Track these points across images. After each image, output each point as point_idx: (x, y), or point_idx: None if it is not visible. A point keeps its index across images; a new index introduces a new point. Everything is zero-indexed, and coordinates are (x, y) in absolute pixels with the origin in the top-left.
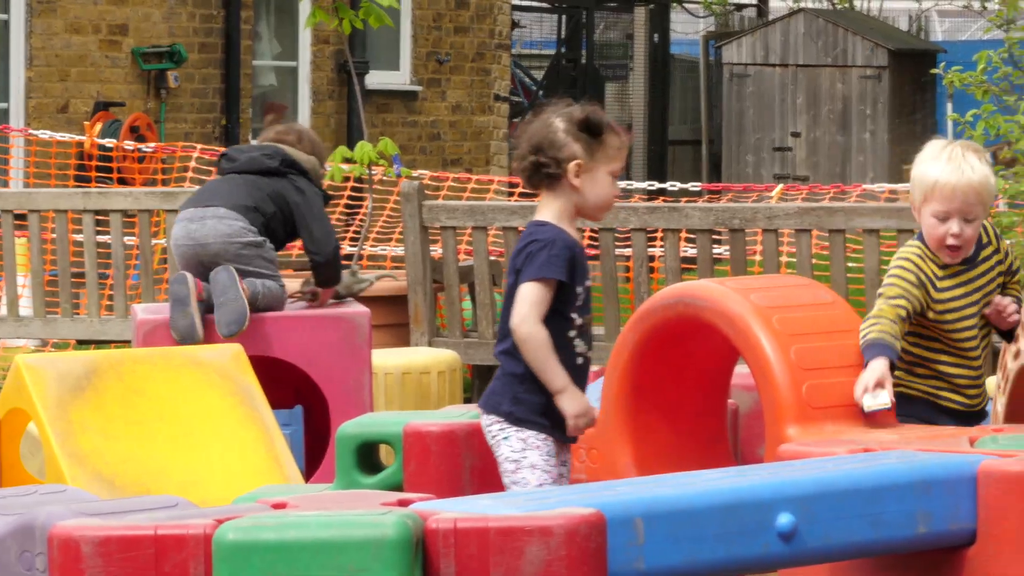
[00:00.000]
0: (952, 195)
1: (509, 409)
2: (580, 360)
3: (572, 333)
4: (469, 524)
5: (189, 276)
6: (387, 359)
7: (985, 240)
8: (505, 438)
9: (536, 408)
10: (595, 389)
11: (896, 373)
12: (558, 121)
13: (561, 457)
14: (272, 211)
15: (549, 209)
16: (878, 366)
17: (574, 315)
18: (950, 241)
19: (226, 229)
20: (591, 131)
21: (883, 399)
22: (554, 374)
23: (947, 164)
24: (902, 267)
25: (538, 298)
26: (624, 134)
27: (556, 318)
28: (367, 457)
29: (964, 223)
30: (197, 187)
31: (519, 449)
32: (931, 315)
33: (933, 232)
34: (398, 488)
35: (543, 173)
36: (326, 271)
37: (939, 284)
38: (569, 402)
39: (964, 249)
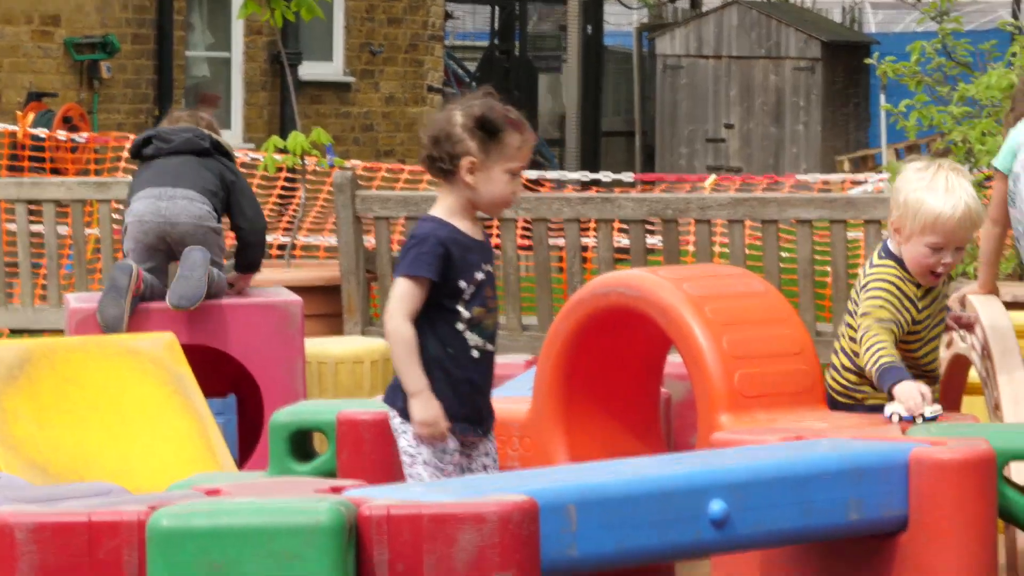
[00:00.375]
0: (954, 230)
1: (403, 404)
2: (476, 353)
3: (461, 326)
4: (402, 511)
5: (135, 268)
6: (320, 348)
7: None
8: (403, 432)
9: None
10: (527, 378)
11: (862, 387)
12: (457, 115)
13: (473, 451)
14: (223, 195)
15: (442, 203)
16: (913, 384)
17: (461, 308)
18: (939, 270)
19: (196, 211)
20: (487, 129)
21: (937, 407)
22: (410, 375)
23: (946, 196)
24: (887, 291)
25: (403, 294)
26: (526, 132)
27: (441, 312)
28: (300, 445)
29: (955, 252)
30: (130, 178)
31: (415, 444)
32: (905, 335)
33: (923, 261)
34: (331, 475)
35: (437, 167)
36: (253, 253)
37: (920, 304)
38: (419, 407)
39: (947, 274)
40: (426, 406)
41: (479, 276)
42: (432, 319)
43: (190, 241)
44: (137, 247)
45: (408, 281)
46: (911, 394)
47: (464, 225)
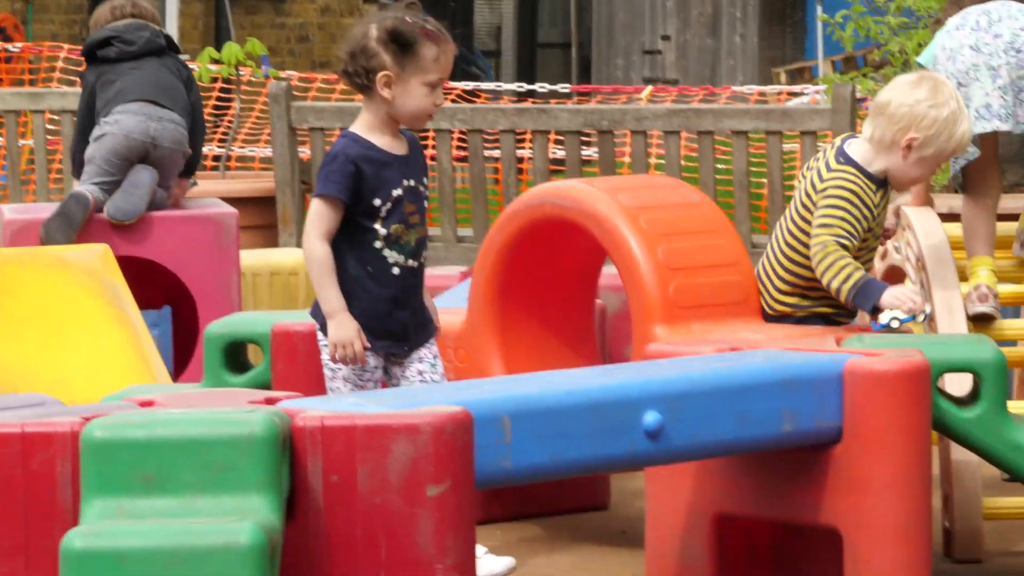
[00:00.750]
0: (966, 145)
1: (324, 320)
2: (397, 270)
3: (379, 244)
4: (336, 422)
5: (91, 201)
6: (255, 260)
7: None
8: (325, 347)
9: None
10: (462, 290)
11: (790, 300)
12: (372, 29)
13: (405, 360)
14: (189, 108)
15: (361, 118)
16: (898, 288)
17: (377, 226)
18: (920, 180)
19: (179, 136)
20: (400, 42)
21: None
22: (326, 296)
23: (962, 110)
24: (849, 200)
25: (316, 214)
26: (443, 42)
27: (358, 230)
28: (235, 357)
29: None
30: (65, 88)
31: (331, 368)
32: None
33: (911, 174)
34: (266, 387)
35: (355, 82)
36: (199, 158)
37: (875, 211)
38: (333, 328)
39: None
40: (340, 327)
41: (396, 192)
42: (350, 238)
43: (166, 163)
44: (112, 159)
45: (320, 201)
46: (906, 295)
47: (382, 140)
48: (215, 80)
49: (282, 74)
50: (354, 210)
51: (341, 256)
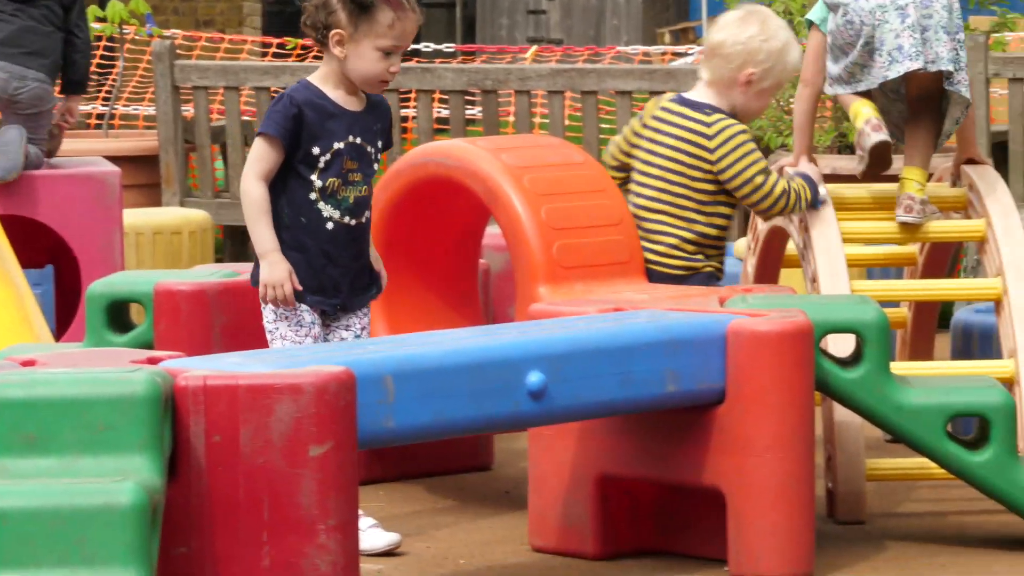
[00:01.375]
0: (798, 71)
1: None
2: (331, 225)
3: (314, 196)
4: (218, 382)
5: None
6: (138, 219)
7: None
8: (264, 306)
9: None
10: None
11: (696, 255)
12: None
13: (334, 323)
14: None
15: (319, 69)
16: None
17: (314, 177)
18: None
19: (42, 94)
20: (357, 2)
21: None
22: (258, 236)
23: (792, 38)
24: (751, 141)
25: (256, 154)
26: (402, 10)
27: (296, 179)
28: (118, 316)
29: None
30: None
31: (272, 320)
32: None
33: (754, 106)
34: (149, 347)
35: (312, 35)
36: (85, 67)
37: None
38: (265, 268)
39: None
40: (272, 267)
41: (337, 145)
42: (287, 185)
43: (24, 120)
44: None
45: (260, 140)
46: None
47: (335, 93)
48: (99, 39)
49: (167, 32)
50: (293, 156)
51: (278, 204)
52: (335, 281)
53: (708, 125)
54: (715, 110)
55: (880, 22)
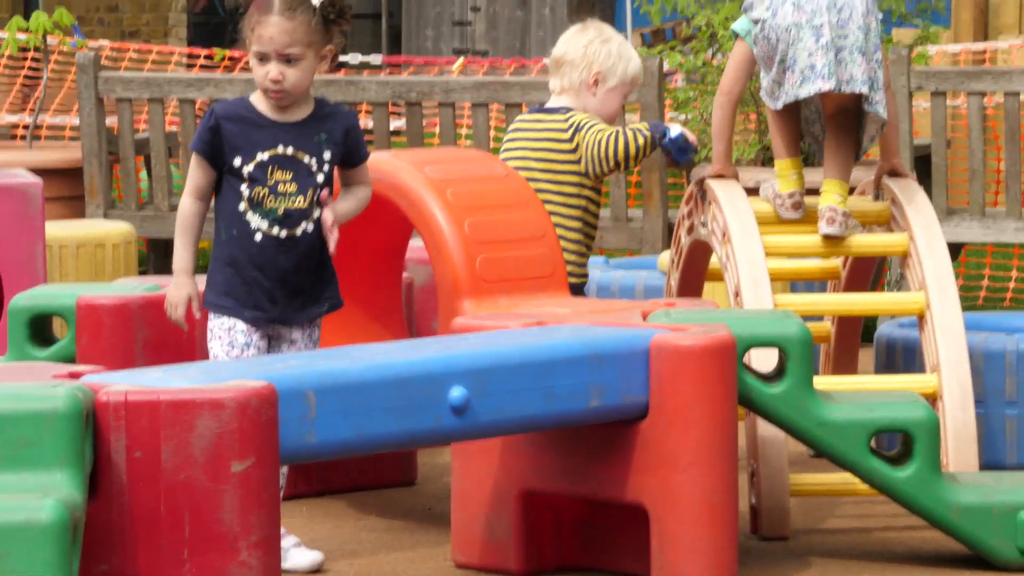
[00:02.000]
0: (641, 73)
1: (204, 293)
2: (259, 237)
3: (242, 207)
4: (140, 397)
5: None
6: (61, 231)
7: None
8: (208, 328)
9: (219, 287)
10: None
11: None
12: None
13: (278, 342)
14: None
15: None
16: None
17: (243, 188)
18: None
19: None
20: (243, 9)
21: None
22: (176, 253)
23: (627, 42)
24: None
25: (189, 170)
26: (262, 12)
27: (228, 191)
28: (40, 330)
29: None
30: None
31: (209, 339)
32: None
33: (608, 108)
34: (71, 361)
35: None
36: None
37: None
38: (171, 287)
39: None
40: (175, 287)
41: (263, 156)
42: (222, 197)
43: None
44: None
45: (192, 155)
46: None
47: (265, 104)
48: (27, 50)
49: (95, 43)
50: (221, 168)
51: (217, 219)
52: (270, 294)
53: (564, 120)
54: (571, 110)
55: (795, 40)
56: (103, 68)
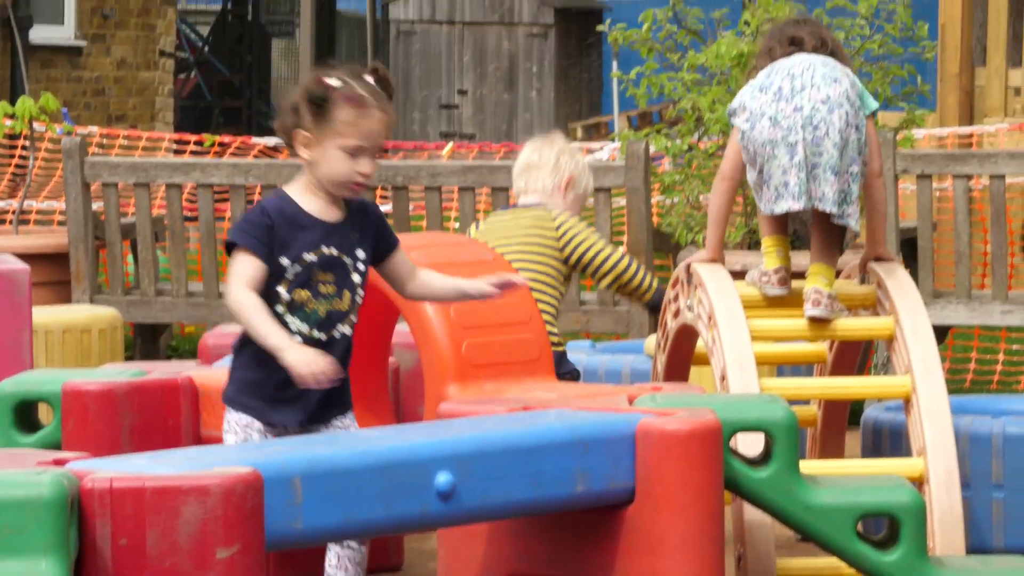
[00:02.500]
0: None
1: (225, 388)
2: (299, 339)
3: (280, 309)
4: (125, 484)
5: None
6: (48, 316)
7: None
8: (226, 432)
9: (242, 386)
10: None
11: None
12: (303, 85)
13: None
14: None
15: (295, 180)
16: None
17: (281, 289)
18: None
19: None
20: (314, 102)
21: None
22: (267, 334)
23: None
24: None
25: (234, 268)
26: (364, 107)
27: (268, 291)
28: (26, 416)
29: None
30: None
31: (225, 431)
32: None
33: (575, 213)
34: (56, 447)
35: (283, 139)
36: None
37: None
38: (292, 355)
39: None
40: (298, 352)
41: (309, 257)
42: (263, 297)
43: None
44: None
45: (236, 253)
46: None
47: (309, 203)
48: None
49: (84, 129)
50: (269, 270)
51: None
52: (308, 397)
53: (553, 220)
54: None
55: (770, 156)
56: (90, 153)
